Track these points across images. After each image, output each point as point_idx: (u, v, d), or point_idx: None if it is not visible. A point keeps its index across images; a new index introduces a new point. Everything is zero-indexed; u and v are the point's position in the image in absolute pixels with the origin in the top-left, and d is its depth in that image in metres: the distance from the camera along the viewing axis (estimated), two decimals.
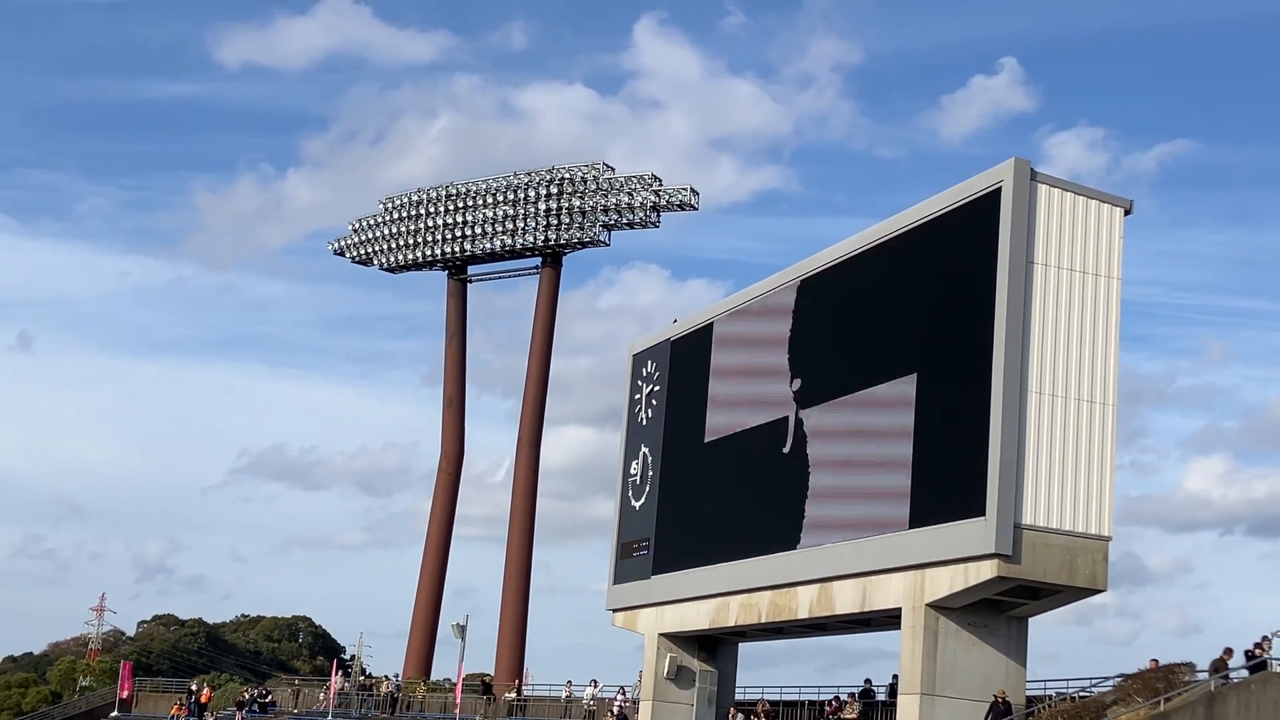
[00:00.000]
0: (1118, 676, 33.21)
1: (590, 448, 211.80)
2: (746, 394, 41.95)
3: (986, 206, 32.90)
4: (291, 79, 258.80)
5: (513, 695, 56.49)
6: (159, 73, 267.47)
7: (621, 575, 47.32)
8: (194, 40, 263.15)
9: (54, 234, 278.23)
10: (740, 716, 42.50)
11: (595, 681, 52.33)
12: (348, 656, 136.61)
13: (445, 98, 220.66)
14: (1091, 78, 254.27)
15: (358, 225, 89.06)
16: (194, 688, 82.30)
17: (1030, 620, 33.71)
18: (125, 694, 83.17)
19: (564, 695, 54.10)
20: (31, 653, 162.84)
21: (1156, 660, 32.49)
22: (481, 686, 59.51)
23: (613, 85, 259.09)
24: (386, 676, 73.42)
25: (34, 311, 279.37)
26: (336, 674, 72.28)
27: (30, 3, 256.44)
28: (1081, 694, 33.90)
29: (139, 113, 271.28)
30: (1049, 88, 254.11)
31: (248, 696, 74.86)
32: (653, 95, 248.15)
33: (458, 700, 59.39)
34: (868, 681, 40.10)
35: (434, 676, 78.63)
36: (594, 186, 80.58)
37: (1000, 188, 32.63)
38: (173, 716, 74.63)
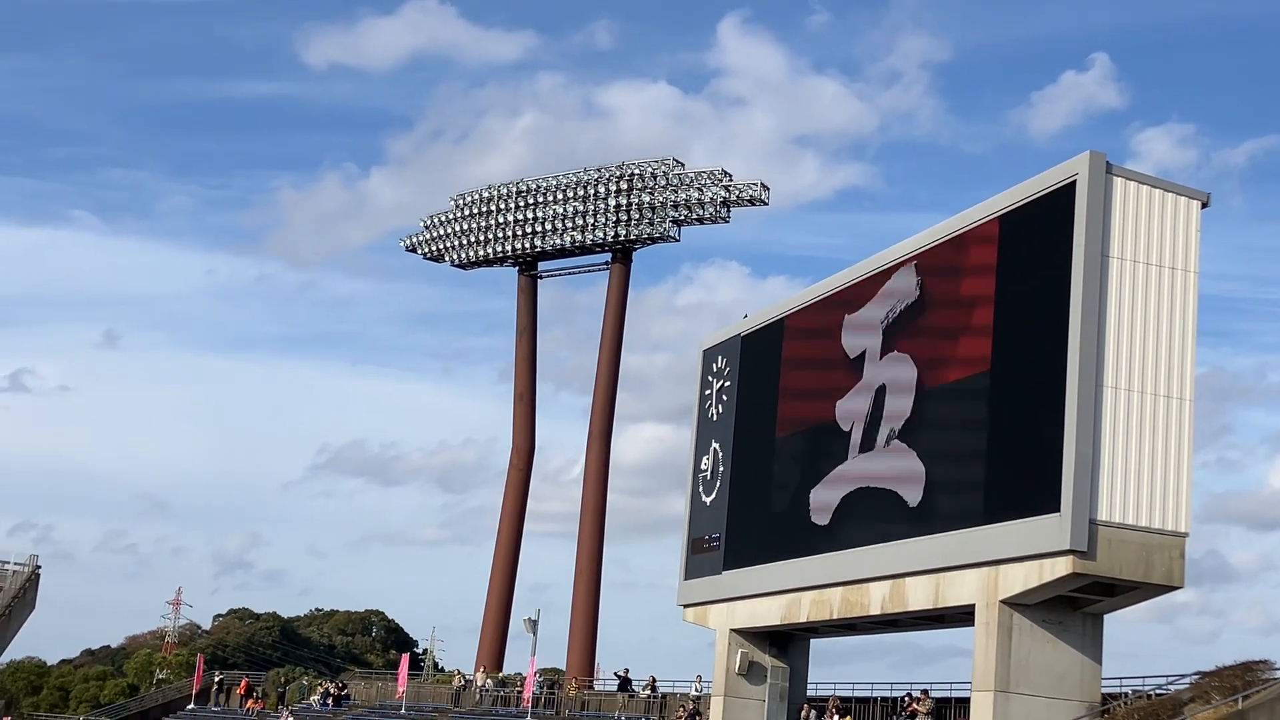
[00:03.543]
0: (1195, 674, 32.85)
1: (667, 444, 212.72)
2: (817, 389, 41.83)
3: (1062, 200, 32.63)
4: (377, 79, 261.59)
5: (648, 692, 55.93)
6: (246, 73, 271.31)
7: (692, 571, 47.32)
8: (281, 41, 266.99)
9: (138, 232, 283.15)
10: (814, 713, 42.39)
11: None
12: (420, 651, 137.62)
13: (529, 96, 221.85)
14: (1183, 73, 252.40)
15: (429, 222, 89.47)
16: (219, 678, 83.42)
17: (1111, 618, 33.43)
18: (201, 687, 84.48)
19: (693, 691, 53.20)
20: (109, 646, 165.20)
21: None
22: (619, 681, 58.94)
23: (696, 83, 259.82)
24: (459, 670, 73.90)
25: (120, 309, 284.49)
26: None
27: (119, 4, 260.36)
28: (1158, 691, 33.55)
29: (225, 112, 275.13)
30: (1140, 83, 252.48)
31: (322, 690, 75.65)
32: (736, 93, 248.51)
33: (528, 694, 59.56)
34: None
35: (505, 670, 78.90)
36: (664, 182, 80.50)
37: (1075, 181, 32.35)
38: (247, 710, 75.55)
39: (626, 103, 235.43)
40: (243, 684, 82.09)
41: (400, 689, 69.19)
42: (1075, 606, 32.82)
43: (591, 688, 65.80)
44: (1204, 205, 32.99)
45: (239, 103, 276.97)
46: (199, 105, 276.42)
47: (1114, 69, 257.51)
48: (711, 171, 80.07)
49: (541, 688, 62.88)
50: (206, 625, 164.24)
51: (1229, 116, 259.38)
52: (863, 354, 39.68)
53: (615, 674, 59.12)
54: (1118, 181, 32.38)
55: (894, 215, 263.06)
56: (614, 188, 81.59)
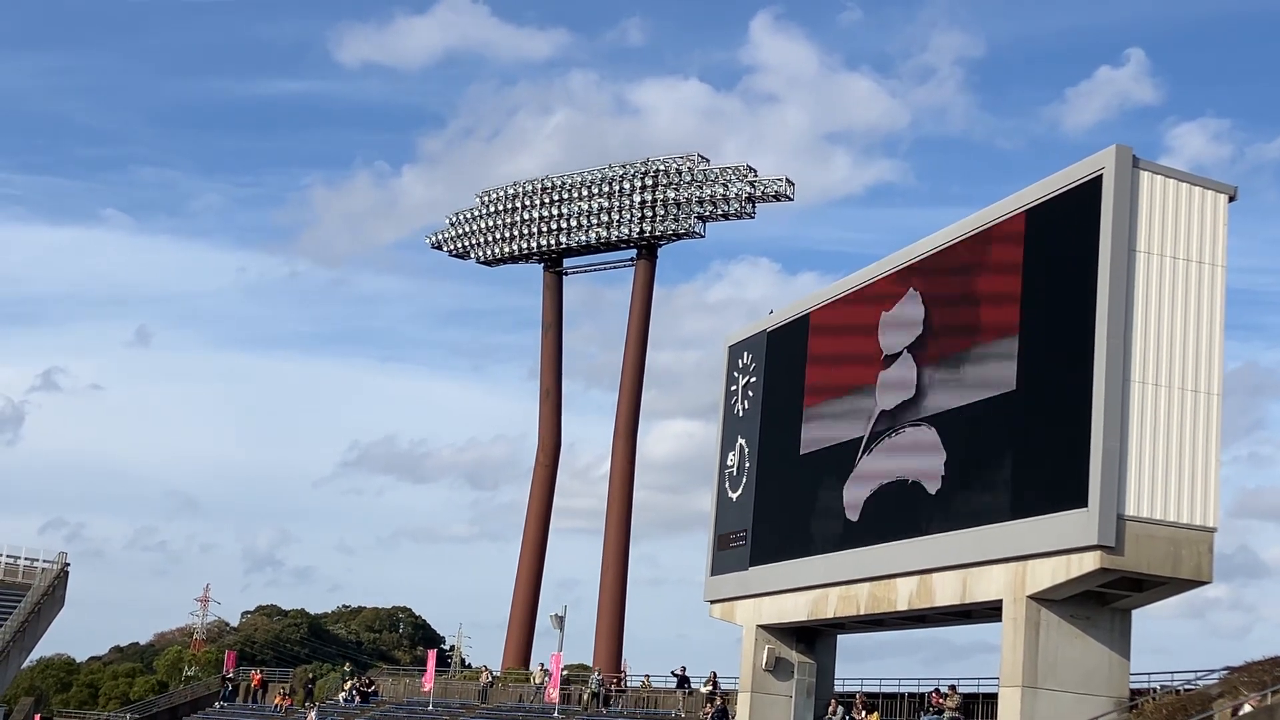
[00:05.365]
0: (1224, 669, 32.74)
1: (697, 440, 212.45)
2: (842, 384, 41.77)
3: (1088, 194, 32.54)
4: (410, 77, 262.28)
5: (709, 688, 55.68)
6: (279, 71, 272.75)
7: (719, 567, 47.31)
8: (314, 40, 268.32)
9: (169, 231, 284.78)
10: (841, 709, 42.36)
11: None
12: (447, 647, 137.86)
13: (561, 94, 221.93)
14: (1219, 68, 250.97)
15: (455, 219, 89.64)
16: (230, 675, 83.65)
17: (1140, 613, 33.36)
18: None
19: None
20: (138, 643, 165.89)
21: None
22: (677, 679, 58.73)
23: (728, 80, 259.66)
24: (486, 667, 73.98)
25: (151, 307, 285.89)
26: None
27: (151, 3, 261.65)
28: (1187, 687, 33.44)
29: (257, 111, 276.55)
30: (1175, 79, 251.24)
31: (348, 686, 75.82)
32: (768, 90, 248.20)
33: (555, 689, 59.59)
34: None
35: (531, 667, 78.98)
36: (689, 178, 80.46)
37: (1102, 175, 32.26)
38: (277, 706, 75.78)
39: (658, 100, 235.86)
40: (255, 678, 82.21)
41: (427, 685, 69.33)
42: (1103, 602, 32.74)
43: (620, 684, 65.67)
44: (1231, 199, 32.88)
45: (271, 101, 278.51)
46: (231, 103, 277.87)
47: (1149, 64, 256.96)
48: (736, 167, 79.99)
49: (610, 686, 62.80)
50: (235, 622, 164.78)
51: (1263, 111, 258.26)
52: (888, 349, 39.62)
53: (673, 673, 59.02)
54: (1144, 175, 32.27)
55: (925, 211, 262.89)
56: (639, 184, 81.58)
